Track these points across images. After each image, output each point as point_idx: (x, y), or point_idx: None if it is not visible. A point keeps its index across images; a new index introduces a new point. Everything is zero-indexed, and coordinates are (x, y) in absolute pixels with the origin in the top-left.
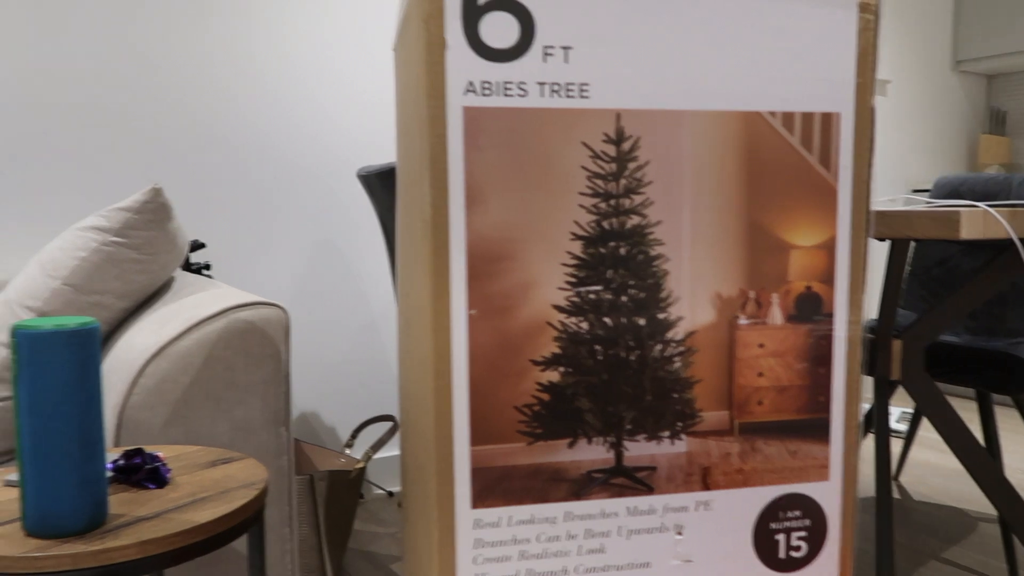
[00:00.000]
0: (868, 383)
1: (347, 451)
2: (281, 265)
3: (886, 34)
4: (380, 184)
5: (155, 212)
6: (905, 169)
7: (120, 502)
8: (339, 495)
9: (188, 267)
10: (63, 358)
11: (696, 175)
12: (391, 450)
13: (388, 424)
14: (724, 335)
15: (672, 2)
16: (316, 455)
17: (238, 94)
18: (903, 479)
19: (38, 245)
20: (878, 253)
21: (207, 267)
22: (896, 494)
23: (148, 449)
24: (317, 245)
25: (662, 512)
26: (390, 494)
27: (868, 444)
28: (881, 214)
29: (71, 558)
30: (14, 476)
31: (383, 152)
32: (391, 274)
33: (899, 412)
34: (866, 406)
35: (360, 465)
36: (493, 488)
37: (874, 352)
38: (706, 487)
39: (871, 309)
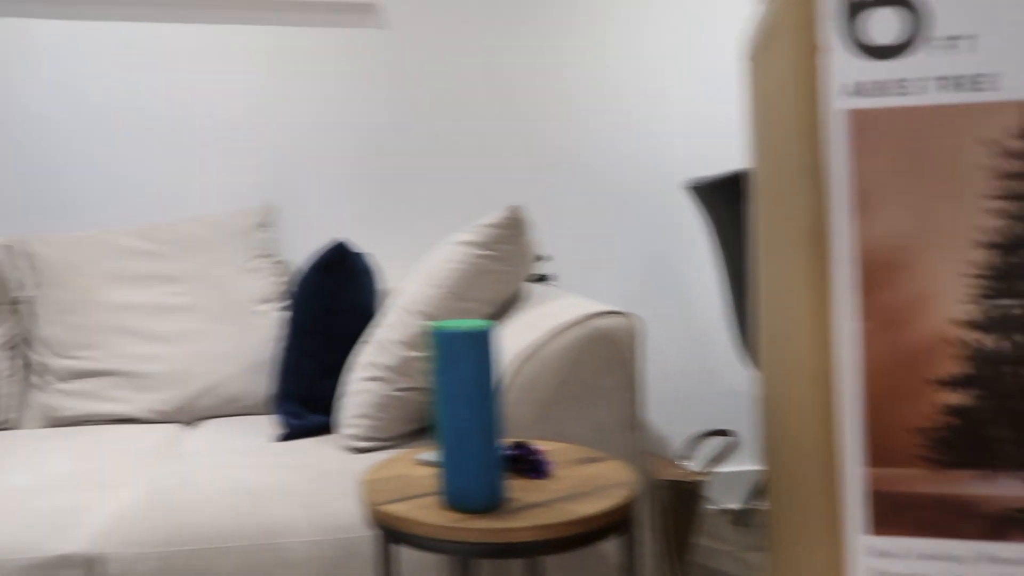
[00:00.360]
0: None
1: (684, 462)
2: (614, 277)
3: None
4: (717, 195)
5: (515, 228)
6: None
7: (513, 488)
8: (679, 506)
9: (532, 278)
10: (472, 354)
11: None
12: (727, 466)
13: (726, 439)
14: None
15: None
16: (655, 463)
17: (584, 118)
18: None
19: (416, 255)
20: None
21: (545, 278)
22: None
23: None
24: (648, 258)
25: None
26: (726, 511)
27: None
28: None
29: (479, 532)
30: (424, 455)
31: (708, 164)
32: (726, 286)
33: None
34: None
35: (701, 477)
36: (892, 515)
37: None
38: None
39: None
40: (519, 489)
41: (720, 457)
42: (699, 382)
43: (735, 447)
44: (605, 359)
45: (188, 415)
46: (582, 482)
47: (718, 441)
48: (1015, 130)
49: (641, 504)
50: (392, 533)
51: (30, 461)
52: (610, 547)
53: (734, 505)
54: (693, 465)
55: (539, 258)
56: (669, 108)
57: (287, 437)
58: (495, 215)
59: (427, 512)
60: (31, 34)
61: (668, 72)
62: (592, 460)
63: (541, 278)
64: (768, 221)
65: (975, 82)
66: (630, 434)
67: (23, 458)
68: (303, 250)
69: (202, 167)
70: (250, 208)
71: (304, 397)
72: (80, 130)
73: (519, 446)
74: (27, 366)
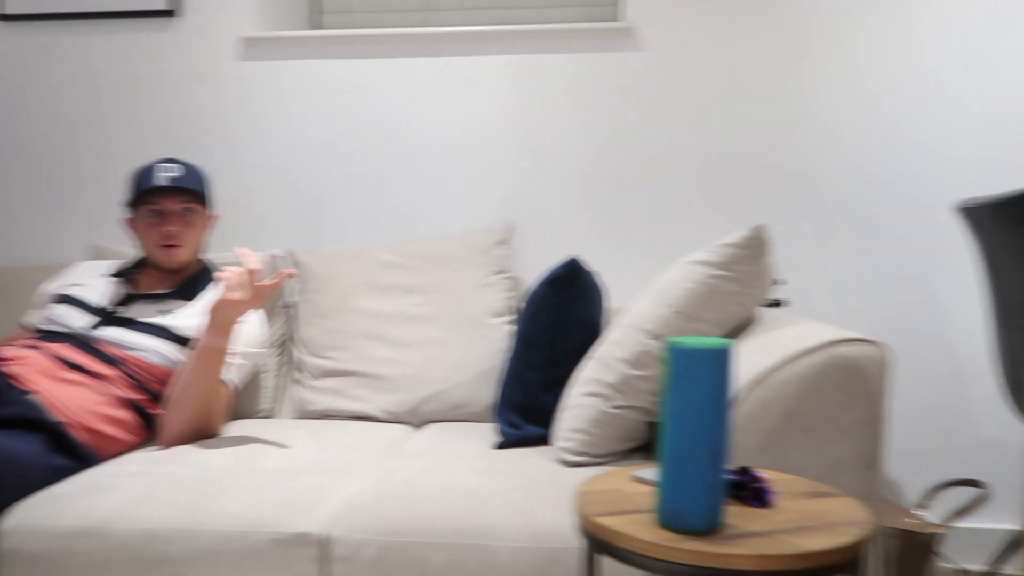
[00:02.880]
0: None
1: (920, 512)
2: (861, 303)
3: None
4: (993, 217)
5: (756, 248)
6: None
7: (731, 514)
8: (908, 558)
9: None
10: (706, 372)
11: None
12: (970, 523)
13: (973, 490)
14: None
15: None
16: (886, 509)
17: (830, 132)
18: None
19: (646, 275)
20: None
21: (779, 303)
22: None
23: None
24: (900, 284)
25: None
26: (965, 572)
27: None
28: None
29: (695, 555)
30: (641, 473)
31: (987, 184)
32: (992, 320)
33: None
34: None
35: (938, 530)
36: None
37: None
38: None
39: None
40: (738, 516)
41: (964, 510)
42: (950, 425)
43: (984, 501)
44: (846, 390)
45: (416, 417)
46: (808, 516)
47: (964, 492)
48: None
49: (870, 549)
50: (601, 545)
51: (281, 448)
52: None
53: (974, 566)
54: (931, 516)
55: (775, 281)
56: (946, 121)
57: (504, 445)
58: (736, 234)
59: (640, 528)
60: (308, 74)
61: (941, 78)
62: (821, 495)
63: (775, 303)
64: None
65: None
66: (868, 474)
67: (276, 445)
68: (538, 267)
69: (450, 188)
70: (491, 226)
71: (524, 408)
72: (345, 156)
73: (743, 472)
74: (291, 363)
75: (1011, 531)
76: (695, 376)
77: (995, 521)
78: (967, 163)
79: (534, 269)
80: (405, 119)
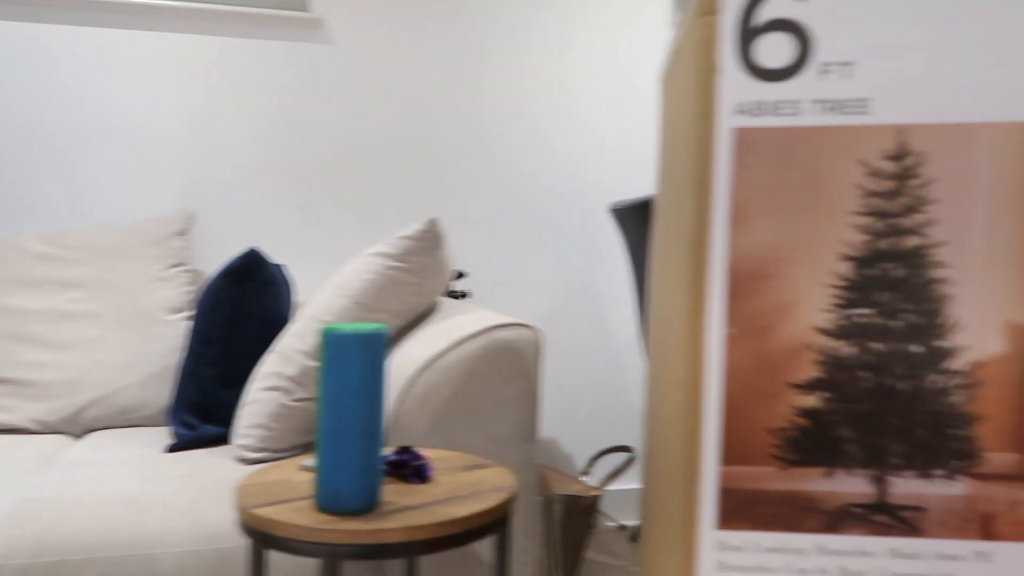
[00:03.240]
0: None
1: (583, 478)
2: (532, 295)
3: None
4: (632, 217)
5: (431, 240)
6: None
7: (390, 492)
8: (573, 520)
9: (450, 294)
10: (358, 356)
11: (993, 193)
12: (625, 483)
13: (625, 455)
14: (1018, 369)
15: (967, 7)
16: (553, 479)
17: (503, 137)
18: None
19: (336, 268)
20: None
21: (465, 295)
22: None
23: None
24: (567, 277)
25: (932, 559)
26: (622, 527)
27: None
28: None
29: (349, 533)
30: (308, 462)
31: (630, 189)
32: (637, 307)
33: None
34: None
35: (596, 492)
36: (741, 511)
37: None
38: (988, 536)
39: None
40: (397, 493)
41: (617, 473)
42: (612, 400)
43: (633, 463)
44: (504, 370)
45: (76, 426)
46: (461, 487)
47: (619, 458)
48: (884, 152)
49: (529, 514)
50: (262, 536)
51: None
52: (490, 553)
53: (630, 522)
54: (592, 481)
55: (459, 275)
56: (593, 132)
57: (177, 448)
58: (412, 228)
59: (297, 514)
60: None
61: (591, 96)
62: (477, 467)
63: (461, 295)
64: (662, 235)
65: (848, 106)
66: (527, 446)
67: None
68: (222, 260)
69: (120, 174)
70: (166, 216)
71: (200, 407)
72: None
73: (403, 451)
74: None
75: None
76: (348, 360)
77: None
78: (615, 169)
79: (218, 262)
80: (61, 94)
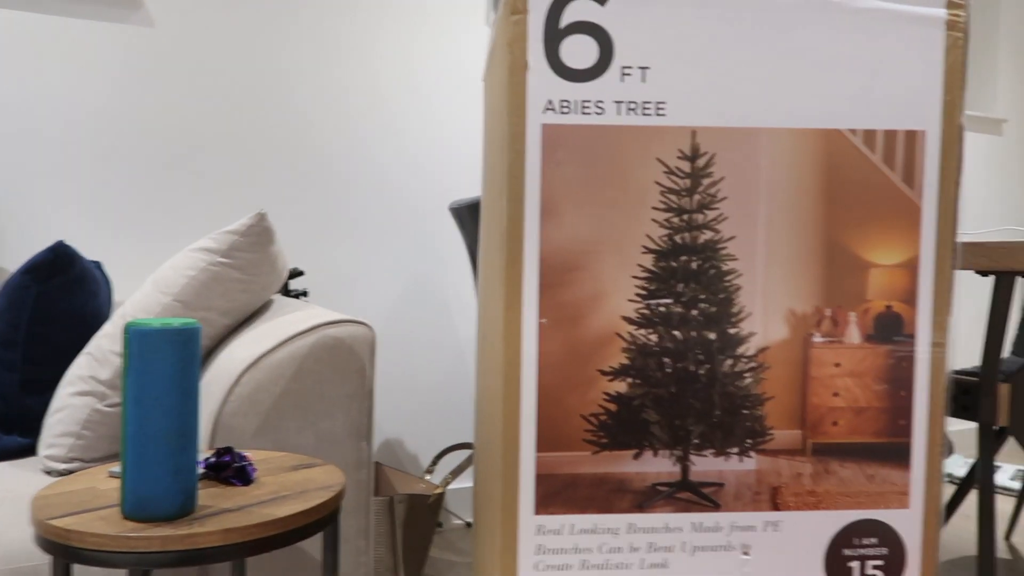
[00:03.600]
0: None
1: (427, 477)
2: (375, 294)
3: (1001, 71)
4: (470, 215)
5: (259, 236)
6: (1022, 212)
7: (209, 495)
8: (417, 519)
9: (287, 293)
10: (167, 353)
11: (772, 192)
12: (470, 481)
13: (469, 452)
14: (798, 353)
15: (750, 22)
16: (397, 479)
17: (342, 131)
18: (1015, 539)
19: (159, 265)
20: (983, 290)
21: (304, 294)
22: (1007, 554)
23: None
24: (410, 276)
25: (729, 530)
26: (468, 524)
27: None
28: (983, 245)
29: (160, 540)
30: (117, 468)
31: (474, 187)
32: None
33: (1013, 470)
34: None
35: (439, 491)
36: (557, 495)
37: (979, 396)
38: (775, 507)
39: (968, 353)
40: (216, 496)
41: (460, 470)
42: (456, 398)
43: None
44: (337, 368)
45: None
46: (286, 487)
47: (462, 455)
48: (679, 151)
49: (366, 513)
50: (63, 550)
51: None
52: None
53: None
54: (435, 479)
55: (297, 273)
56: (436, 130)
57: None
58: (239, 222)
59: (102, 523)
60: None
61: (432, 94)
62: (306, 467)
63: (300, 294)
64: (484, 230)
65: (646, 107)
66: (361, 444)
67: None
68: (26, 257)
69: None
70: None
71: (1, 417)
72: None
73: (224, 453)
74: None
75: None
76: (155, 358)
77: None
78: (458, 168)
79: (24, 259)
80: None
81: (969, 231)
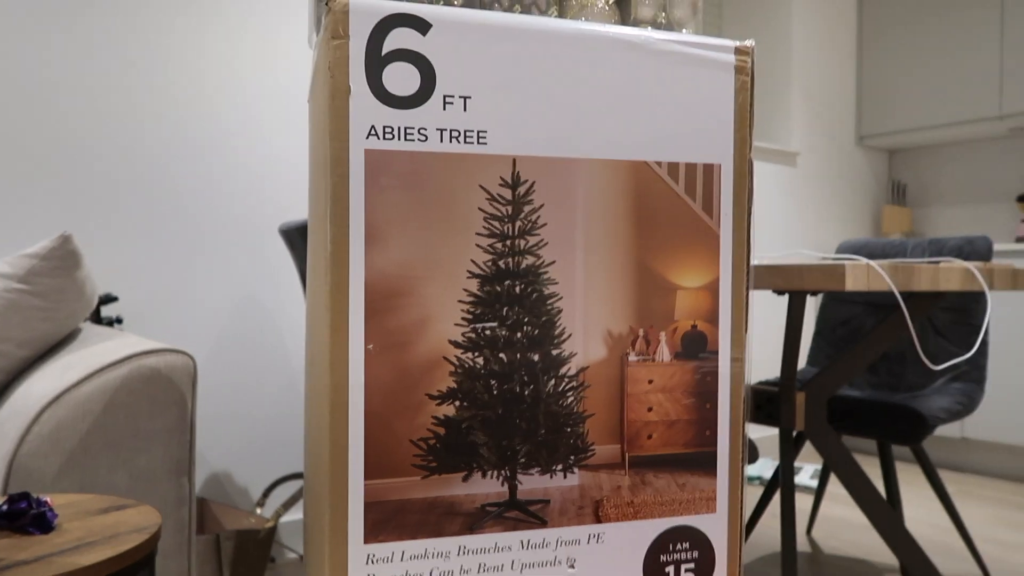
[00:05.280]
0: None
1: (258, 510)
2: (198, 321)
3: (794, 110)
4: (300, 238)
5: (63, 260)
6: (815, 236)
7: (1, 547)
8: (247, 556)
9: (99, 320)
10: None
11: (587, 218)
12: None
13: (301, 482)
14: (615, 371)
15: (563, 59)
16: (224, 514)
17: (158, 146)
18: (815, 534)
19: None
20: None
21: (119, 320)
22: (808, 548)
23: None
24: (236, 301)
25: (556, 545)
26: (302, 557)
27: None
28: (778, 268)
29: None
30: None
31: (305, 209)
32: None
33: (812, 469)
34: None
35: (270, 524)
36: (387, 522)
37: (779, 404)
38: (598, 520)
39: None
40: (10, 548)
41: (293, 501)
42: (284, 428)
43: None
44: (152, 400)
45: None
46: (94, 532)
47: (294, 485)
48: (500, 179)
49: (188, 554)
50: None
51: None
52: None
53: None
54: (267, 513)
55: (109, 299)
56: (267, 150)
57: None
58: (40, 244)
59: None
60: None
61: (270, 115)
62: (117, 508)
63: (114, 320)
64: (310, 254)
65: (468, 136)
66: (181, 480)
67: None
68: None
69: None
70: None
71: None
72: None
73: (20, 500)
74: None
75: None
76: None
77: None
78: (290, 189)
79: None
80: None
81: (766, 254)
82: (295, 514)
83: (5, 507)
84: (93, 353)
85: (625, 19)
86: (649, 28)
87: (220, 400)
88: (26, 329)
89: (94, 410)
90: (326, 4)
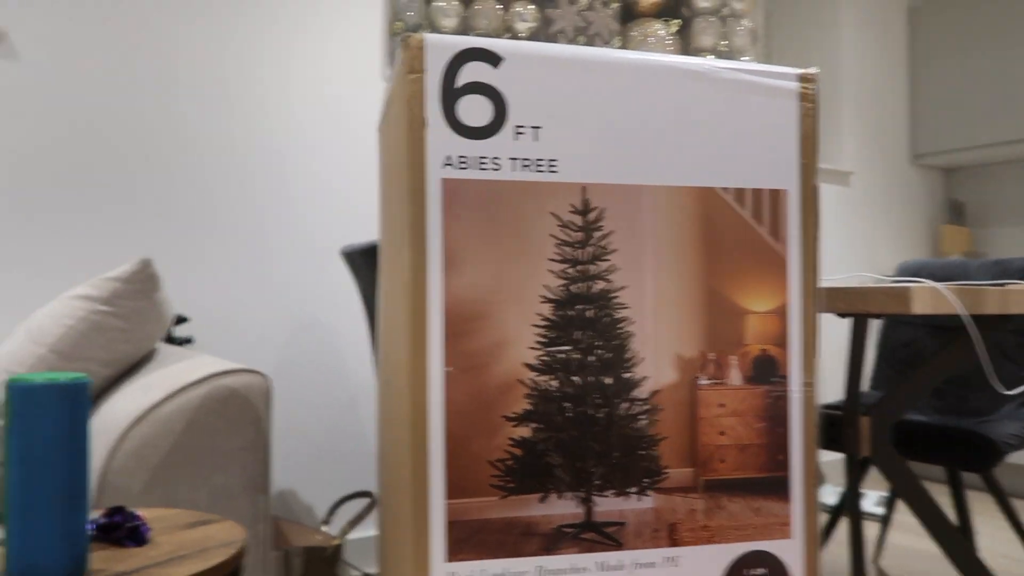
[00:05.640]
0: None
1: (324, 528)
2: (262, 340)
3: (846, 129)
4: (363, 260)
5: (144, 283)
6: (870, 257)
7: (100, 559)
8: (315, 573)
9: (171, 340)
10: (54, 411)
11: (657, 244)
12: (368, 530)
13: (366, 500)
14: (687, 395)
15: (630, 89)
16: (292, 531)
17: (227, 171)
18: (883, 563)
19: (27, 314)
20: (842, 331)
21: (189, 341)
22: None
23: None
24: (300, 322)
25: (631, 567)
26: (367, 575)
27: (845, 526)
28: (840, 290)
29: None
30: None
31: (365, 231)
32: (372, 350)
33: (877, 496)
34: (840, 489)
35: (336, 542)
36: (468, 541)
37: (843, 429)
38: (673, 543)
39: (834, 387)
40: (108, 559)
41: (358, 519)
42: (349, 446)
43: (374, 508)
44: (230, 419)
45: None
46: (183, 546)
47: (359, 504)
48: (571, 206)
49: (266, 570)
50: None
51: None
52: None
53: (373, 570)
54: (333, 530)
55: (180, 320)
56: (325, 174)
57: None
58: (122, 268)
59: None
60: None
61: (322, 139)
62: (203, 523)
63: (183, 341)
64: (385, 279)
65: (539, 164)
66: (258, 497)
67: None
68: None
69: None
70: None
71: None
72: None
73: (115, 513)
74: None
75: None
76: (41, 415)
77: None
78: (347, 212)
79: None
80: None
81: (826, 277)
82: (359, 532)
83: (103, 520)
84: (172, 373)
85: (686, 48)
86: (711, 57)
87: (283, 419)
88: (109, 349)
89: (176, 428)
90: (402, 40)
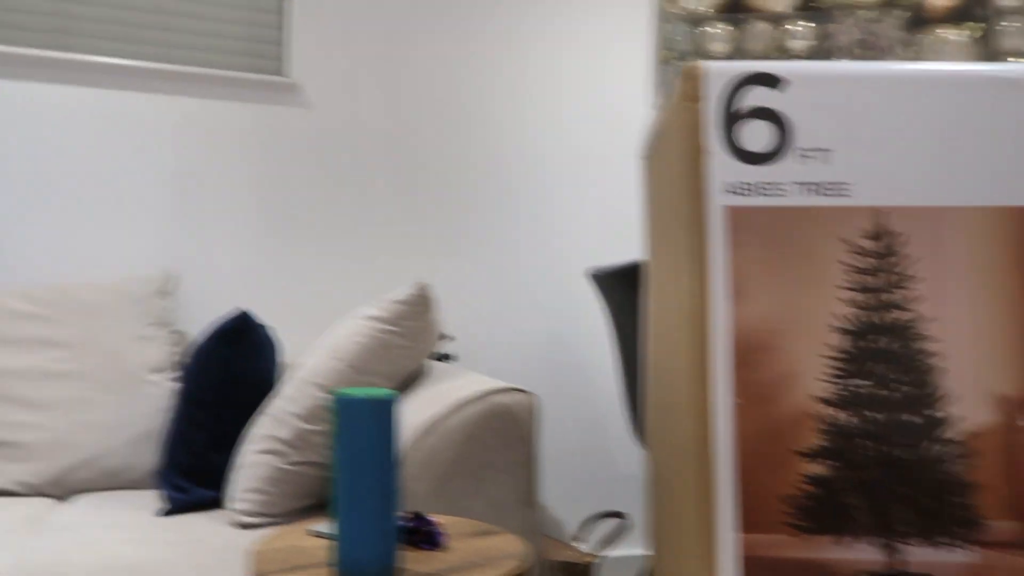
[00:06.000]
0: None
1: (575, 544)
2: (517, 359)
3: None
4: (615, 283)
5: (422, 305)
6: None
7: (405, 559)
8: None
9: (435, 356)
10: (373, 422)
11: (970, 271)
12: (619, 549)
13: (617, 520)
14: (1011, 439)
15: (930, 104)
16: (547, 544)
17: (486, 200)
18: None
19: (318, 330)
20: None
21: (448, 357)
22: None
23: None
24: (549, 341)
25: None
26: None
27: None
28: None
29: None
30: (317, 527)
31: (611, 254)
32: (620, 372)
33: None
34: None
35: (590, 559)
36: None
37: None
38: None
39: None
40: (412, 560)
41: (611, 539)
42: (595, 464)
43: (627, 529)
44: (504, 435)
45: (61, 488)
46: (474, 554)
47: (611, 523)
48: (864, 231)
49: None
50: None
51: None
52: None
53: None
54: (585, 547)
55: (443, 337)
56: (576, 198)
57: (171, 512)
58: (403, 291)
59: None
60: None
61: (577, 168)
62: (486, 534)
63: (444, 357)
64: (657, 305)
65: (830, 189)
66: (526, 511)
67: None
68: (205, 321)
69: (104, 234)
70: (149, 275)
71: (191, 470)
72: None
73: (415, 518)
74: None
75: (646, 556)
76: (361, 426)
77: (638, 547)
78: (593, 236)
79: (201, 322)
80: (40, 151)
81: None
82: (609, 551)
83: (409, 523)
84: (450, 389)
85: (986, 53)
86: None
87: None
88: (392, 365)
89: (457, 440)
90: (682, 69)
